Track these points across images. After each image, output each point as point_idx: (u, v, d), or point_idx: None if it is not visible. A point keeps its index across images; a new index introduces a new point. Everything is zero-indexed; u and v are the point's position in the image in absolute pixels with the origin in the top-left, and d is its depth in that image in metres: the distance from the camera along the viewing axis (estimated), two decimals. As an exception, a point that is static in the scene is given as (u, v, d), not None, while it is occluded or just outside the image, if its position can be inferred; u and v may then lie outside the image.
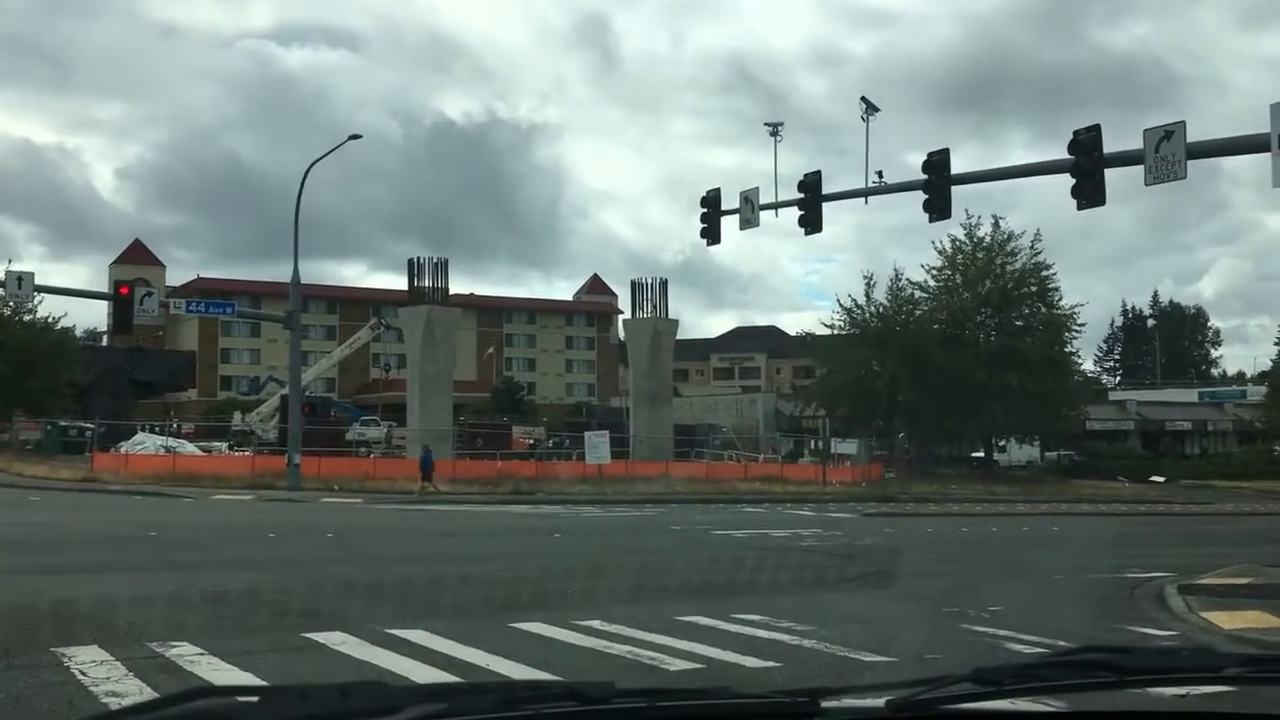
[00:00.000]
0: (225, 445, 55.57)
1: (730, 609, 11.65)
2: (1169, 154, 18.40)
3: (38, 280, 39.58)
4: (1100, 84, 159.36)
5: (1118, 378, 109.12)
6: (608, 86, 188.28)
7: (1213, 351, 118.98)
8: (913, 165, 48.51)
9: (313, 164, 38.40)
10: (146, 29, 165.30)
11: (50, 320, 57.87)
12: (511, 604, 12.30)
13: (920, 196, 22.98)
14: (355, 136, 39.74)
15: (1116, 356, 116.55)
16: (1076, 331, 59.08)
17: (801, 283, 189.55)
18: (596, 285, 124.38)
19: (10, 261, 71.68)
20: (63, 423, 54.10)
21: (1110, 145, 19.91)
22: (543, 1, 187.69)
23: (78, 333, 70.12)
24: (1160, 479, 59.21)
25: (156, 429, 54.35)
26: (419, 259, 52.85)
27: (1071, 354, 60.46)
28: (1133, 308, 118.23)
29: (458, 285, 61.88)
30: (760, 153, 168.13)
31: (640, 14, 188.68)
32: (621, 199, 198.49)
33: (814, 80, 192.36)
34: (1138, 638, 11.27)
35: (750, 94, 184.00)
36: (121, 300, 36.45)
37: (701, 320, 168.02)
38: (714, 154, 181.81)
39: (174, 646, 8.82)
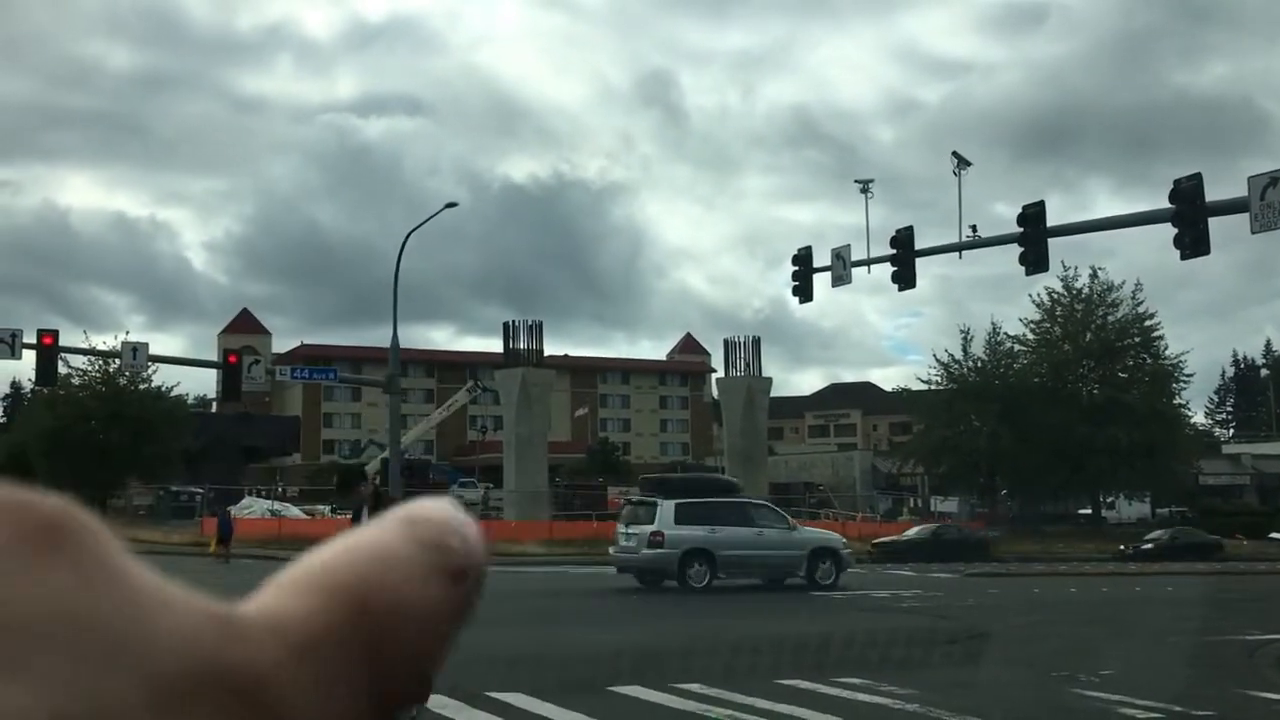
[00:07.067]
0: (328, 508, 56.71)
1: (831, 672, 11.49)
2: (1275, 200, 17.92)
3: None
4: (1184, 126, 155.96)
5: (1231, 430, 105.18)
6: (675, 144, 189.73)
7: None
8: (994, 215, 48.12)
9: (410, 232, 39.30)
10: (233, 105, 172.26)
11: (164, 389, 59.89)
12: (609, 666, 12.28)
13: (1009, 248, 22.72)
14: (451, 205, 40.65)
15: (1229, 408, 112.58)
16: (1184, 382, 57.34)
17: (889, 337, 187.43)
18: (689, 344, 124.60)
19: (128, 332, 74.22)
20: (174, 488, 55.79)
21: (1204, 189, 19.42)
22: (602, 60, 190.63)
23: (188, 400, 72.52)
24: (1279, 536, 56.64)
25: (263, 493, 55.77)
26: (513, 322, 53.69)
27: (1181, 406, 58.63)
28: (1244, 357, 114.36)
29: (550, 347, 62.65)
30: (834, 206, 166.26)
31: (702, 71, 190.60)
32: (697, 256, 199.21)
33: (884, 131, 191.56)
34: (1257, 703, 10.82)
35: (819, 146, 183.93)
36: (230, 368, 37.64)
37: (788, 377, 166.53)
38: (787, 208, 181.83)
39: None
